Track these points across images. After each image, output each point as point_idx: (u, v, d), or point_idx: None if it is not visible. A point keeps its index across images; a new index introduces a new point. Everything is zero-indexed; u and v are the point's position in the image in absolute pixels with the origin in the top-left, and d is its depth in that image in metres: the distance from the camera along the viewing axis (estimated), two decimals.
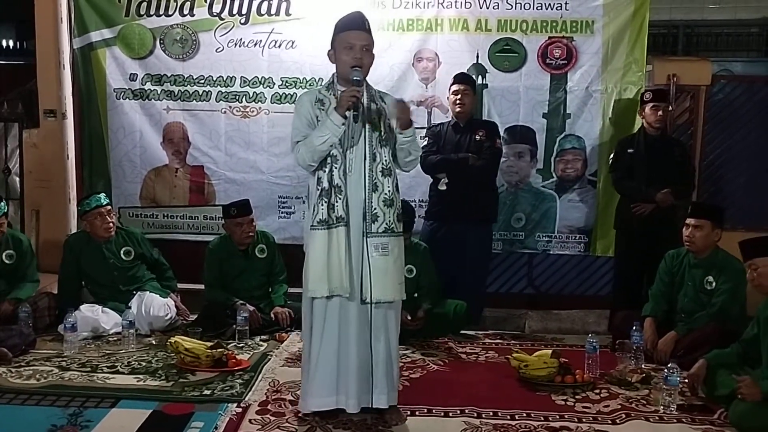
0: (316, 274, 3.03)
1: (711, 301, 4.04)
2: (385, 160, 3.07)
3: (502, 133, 5.10)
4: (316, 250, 3.03)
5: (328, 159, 3.03)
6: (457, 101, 4.62)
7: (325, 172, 3.03)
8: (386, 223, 3.05)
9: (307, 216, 3.13)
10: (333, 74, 3.18)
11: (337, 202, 3.01)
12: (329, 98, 3.10)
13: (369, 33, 3.05)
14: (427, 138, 4.71)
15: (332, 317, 3.09)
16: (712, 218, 4.06)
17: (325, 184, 3.02)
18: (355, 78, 2.98)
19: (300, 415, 3.23)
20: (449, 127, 4.72)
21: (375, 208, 3.04)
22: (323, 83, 3.22)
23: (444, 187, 4.60)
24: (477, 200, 4.61)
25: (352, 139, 3.03)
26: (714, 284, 4.05)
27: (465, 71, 4.89)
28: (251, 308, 4.50)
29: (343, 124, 2.98)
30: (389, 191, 3.06)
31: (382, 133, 3.07)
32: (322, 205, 3.01)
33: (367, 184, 3.04)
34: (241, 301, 4.52)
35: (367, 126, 3.03)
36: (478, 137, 4.61)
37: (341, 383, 3.11)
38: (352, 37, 3.02)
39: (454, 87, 4.65)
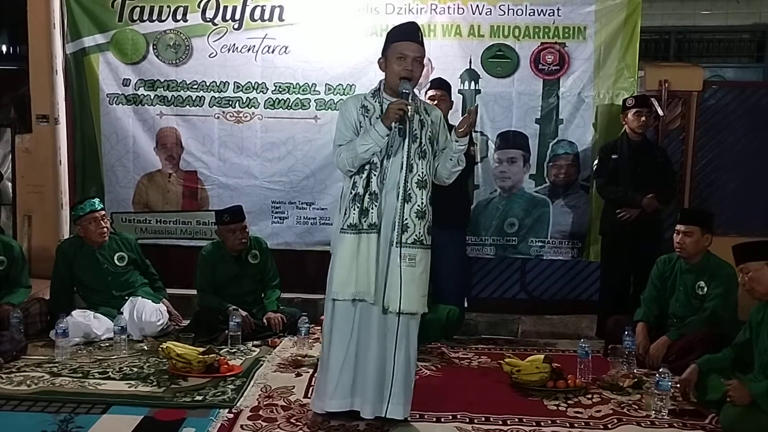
0: (341, 277, 3.06)
1: (703, 305, 4.05)
2: (422, 172, 3.07)
3: (495, 139, 5.14)
4: (344, 253, 3.05)
5: (367, 165, 3.05)
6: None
7: (361, 177, 3.05)
8: (416, 235, 3.05)
9: (338, 218, 3.14)
10: (380, 81, 3.18)
11: (372, 208, 3.03)
12: (374, 105, 3.10)
13: (422, 44, 3.05)
14: None
15: (354, 321, 3.11)
16: (701, 224, 4.09)
17: (360, 190, 3.05)
18: (404, 90, 3.00)
19: (311, 412, 3.28)
20: None
21: (406, 219, 3.04)
22: (370, 89, 3.21)
23: None
24: (449, 207, 4.56)
25: (391, 148, 3.06)
26: (705, 289, 4.07)
27: (441, 77, 4.84)
28: (244, 313, 4.49)
29: (388, 135, 2.99)
30: (422, 203, 3.06)
31: (422, 145, 3.08)
32: (355, 209, 3.04)
33: (400, 194, 3.05)
34: (234, 307, 4.51)
35: (408, 136, 3.03)
36: None
37: (358, 387, 3.13)
38: (405, 48, 3.01)
39: (430, 92, 4.63)
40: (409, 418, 3.23)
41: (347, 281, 3.04)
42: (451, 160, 3.15)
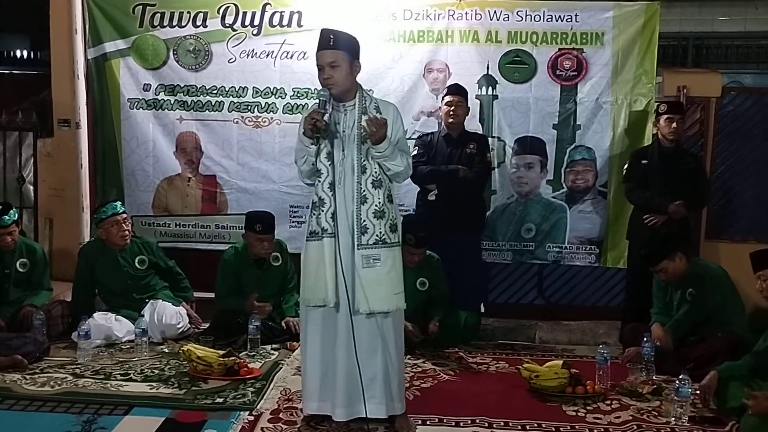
0: (306, 284, 3.13)
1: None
2: (376, 172, 3.08)
3: (512, 144, 5.15)
4: (306, 260, 3.15)
5: (317, 173, 3.09)
6: (451, 112, 4.64)
7: (315, 186, 3.11)
8: (377, 235, 3.06)
9: (305, 227, 3.22)
10: None
11: (320, 214, 3.06)
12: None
13: (336, 48, 3.03)
14: (416, 147, 4.72)
15: (321, 326, 3.16)
16: (668, 257, 4.18)
17: (315, 197, 3.11)
18: (320, 99, 3.04)
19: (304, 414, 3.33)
20: (440, 138, 4.73)
21: (364, 221, 3.06)
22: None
23: (433, 198, 4.62)
24: (465, 211, 4.61)
25: (343, 152, 3.08)
26: (695, 293, 4.14)
27: (459, 83, 4.86)
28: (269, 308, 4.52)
29: (313, 144, 3.04)
30: (379, 203, 3.07)
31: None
32: (312, 217, 3.11)
33: (355, 197, 3.07)
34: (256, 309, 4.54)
35: (356, 138, 3.06)
36: (469, 150, 4.62)
37: (327, 391, 3.18)
38: (320, 58, 3.06)
39: (448, 98, 4.66)
40: (407, 414, 3.24)
41: (311, 288, 3.10)
42: (380, 165, 3.10)
